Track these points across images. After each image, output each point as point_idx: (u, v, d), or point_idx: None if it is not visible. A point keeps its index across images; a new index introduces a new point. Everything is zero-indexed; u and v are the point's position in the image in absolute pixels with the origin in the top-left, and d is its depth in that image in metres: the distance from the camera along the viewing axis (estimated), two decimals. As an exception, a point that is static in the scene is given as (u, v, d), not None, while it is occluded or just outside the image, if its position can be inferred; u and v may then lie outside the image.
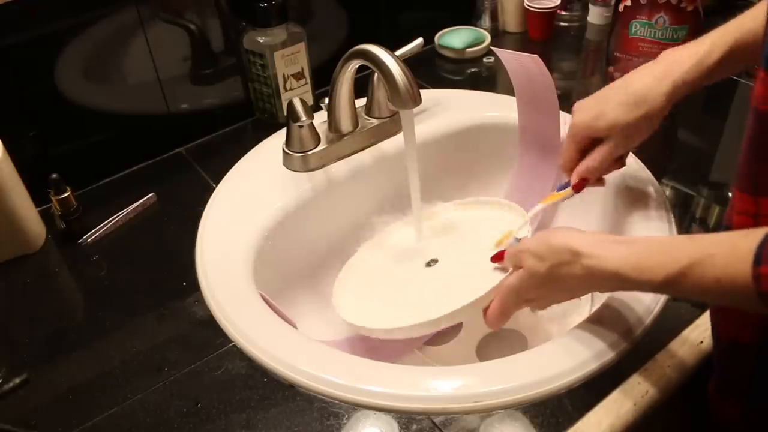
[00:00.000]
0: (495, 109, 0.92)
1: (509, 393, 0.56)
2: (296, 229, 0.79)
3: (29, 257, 0.75)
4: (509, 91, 0.83)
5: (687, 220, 0.75)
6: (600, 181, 0.70)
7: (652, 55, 0.90)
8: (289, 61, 0.88)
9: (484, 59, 1.07)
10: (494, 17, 1.13)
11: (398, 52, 0.86)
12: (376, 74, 0.84)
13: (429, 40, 1.08)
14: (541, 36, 1.11)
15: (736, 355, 0.55)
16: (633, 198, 0.75)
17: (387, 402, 0.57)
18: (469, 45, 1.07)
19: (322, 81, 0.88)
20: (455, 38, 1.07)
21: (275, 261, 0.76)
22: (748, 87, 0.92)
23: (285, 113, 0.86)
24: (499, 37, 1.14)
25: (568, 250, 0.53)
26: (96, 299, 0.70)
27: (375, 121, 0.85)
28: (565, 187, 0.69)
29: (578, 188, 0.68)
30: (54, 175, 0.74)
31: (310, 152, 0.81)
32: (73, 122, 0.82)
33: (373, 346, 0.77)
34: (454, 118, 0.91)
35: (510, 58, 0.77)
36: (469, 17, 1.14)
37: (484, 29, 1.12)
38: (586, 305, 0.77)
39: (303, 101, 0.78)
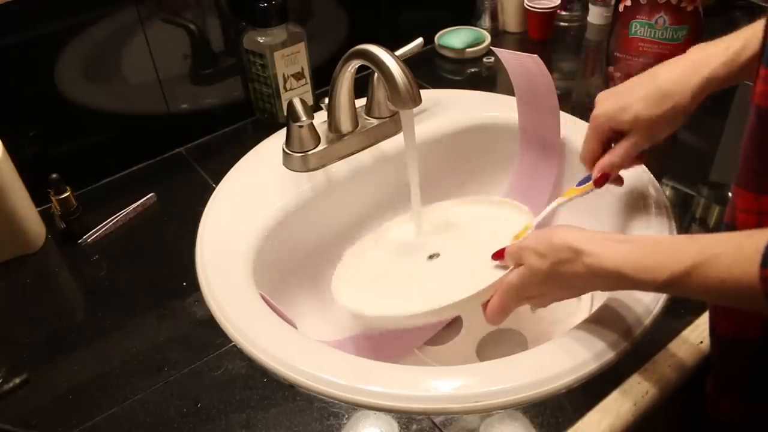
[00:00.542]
0: (495, 109, 0.92)
1: (509, 393, 0.56)
2: (296, 229, 0.79)
3: (29, 257, 0.75)
4: (509, 91, 0.83)
5: (687, 220, 0.75)
6: (618, 180, 0.68)
7: (652, 55, 0.91)
8: (289, 61, 0.88)
9: (484, 59, 1.07)
10: (494, 17, 1.13)
11: (398, 52, 0.86)
12: (376, 74, 0.84)
13: (429, 40, 1.08)
14: (541, 36, 1.11)
15: (734, 351, 0.55)
16: (633, 198, 0.75)
17: (387, 402, 0.57)
18: (469, 45, 1.07)
19: (322, 81, 0.88)
20: (455, 38, 1.07)
21: (275, 261, 0.76)
22: (749, 87, 0.92)
23: (285, 113, 0.86)
24: (499, 37, 1.14)
25: (570, 248, 0.53)
26: (96, 299, 0.70)
27: (375, 121, 0.85)
28: (585, 182, 0.68)
29: (600, 183, 0.66)
30: (54, 175, 0.74)
31: (310, 152, 0.81)
32: (73, 122, 0.82)
33: (373, 346, 0.77)
34: (454, 118, 0.91)
35: (510, 58, 0.77)
36: (469, 17, 1.14)
37: (484, 29, 1.12)
38: (586, 305, 0.77)
39: (303, 101, 0.78)
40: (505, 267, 0.63)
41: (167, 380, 0.61)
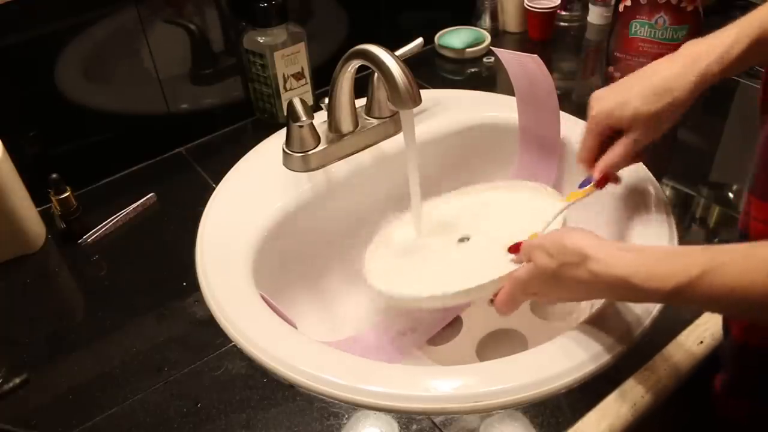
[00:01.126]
0: (495, 109, 0.92)
1: (509, 393, 0.56)
2: (296, 229, 0.79)
3: (29, 257, 0.75)
4: (509, 91, 0.83)
5: (687, 220, 0.75)
6: (617, 180, 0.68)
7: (652, 55, 0.91)
8: (289, 61, 0.88)
9: (484, 59, 1.07)
10: (494, 17, 1.13)
11: (398, 52, 0.86)
12: (376, 74, 0.84)
13: (429, 40, 1.08)
14: (541, 36, 1.11)
15: (747, 356, 0.55)
16: (633, 198, 0.75)
17: (387, 402, 0.57)
18: (469, 45, 1.07)
19: (322, 81, 0.88)
20: (455, 38, 1.07)
21: (275, 261, 0.76)
22: (749, 87, 0.92)
23: (285, 113, 0.86)
24: (499, 37, 1.14)
25: (579, 252, 0.53)
26: (96, 299, 0.70)
27: (375, 121, 0.85)
28: (586, 184, 0.68)
29: (602, 185, 0.66)
30: (54, 175, 0.74)
31: (310, 152, 0.81)
32: (73, 122, 0.82)
33: (373, 346, 0.77)
34: (454, 118, 0.91)
35: (510, 59, 0.77)
36: (469, 17, 1.14)
37: (484, 29, 1.12)
38: (586, 306, 0.77)
39: (303, 101, 0.78)
40: (520, 261, 0.63)
41: (167, 380, 0.61)
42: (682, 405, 0.61)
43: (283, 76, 0.89)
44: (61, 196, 0.75)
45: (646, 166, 0.79)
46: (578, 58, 1.09)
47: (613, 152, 0.65)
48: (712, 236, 0.73)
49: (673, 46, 0.89)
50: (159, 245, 0.76)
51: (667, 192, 0.78)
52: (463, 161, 0.92)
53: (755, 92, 0.90)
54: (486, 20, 1.13)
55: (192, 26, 0.86)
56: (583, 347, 0.59)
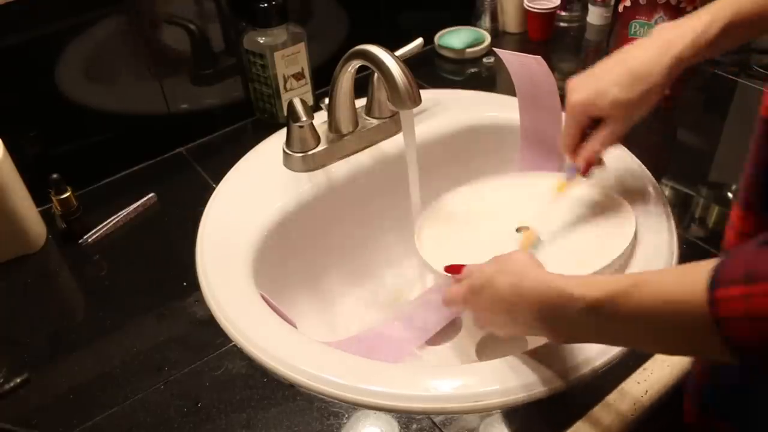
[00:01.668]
0: (495, 109, 0.92)
1: (509, 393, 0.56)
2: (296, 229, 0.79)
3: (30, 257, 0.75)
4: (509, 91, 0.83)
5: (687, 220, 0.75)
6: (601, 163, 0.70)
7: (651, 56, 0.91)
8: (289, 62, 0.88)
9: (484, 59, 1.07)
10: (494, 17, 1.13)
11: (398, 52, 0.86)
12: (376, 74, 0.84)
13: (429, 40, 1.08)
14: (541, 36, 1.11)
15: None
16: (632, 198, 0.75)
17: (387, 402, 0.57)
18: (469, 45, 1.07)
19: (322, 81, 0.88)
20: (455, 38, 1.07)
21: (275, 261, 0.76)
22: (748, 87, 0.92)
23: (285, 113, 0.86)
24: (498, 37, 1.14)
25: (519, 262, 0.53)
26: (96, 299, 0.71)
27: (375, 121, 0.85)
28: (571, 172, 0.70)
29: (586, 172, 0.68)
30: (54, 175, 0.74)
31: (310, 152, 0.81)
32: (74, 122, 0.82)
33: (373, 346, 0.77)
34: (454, 118, 0.91)
35: (513, 60, 0.77)
36: (469, 17, 1.14)
37: (484, 29, 1.12)
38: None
39: (303, 101, 0.78)
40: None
41: (167, 380, 0.61)
42: (682, 404, 0.61)
43: (283, 76, 0.89)
44: (62, 196, 0.75)
45: (646, 166, 0.79)
46: (578, 59, 1.09)
47: (593, 142, 0.66)
48: (711, 236, 0.73)
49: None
50: (159, 245, 0.76)
51: (667, 192, 0.78)
52: (463, 161, 0.92)
53: (755, 92, 0.90)
54: (486, 20, 1.13)
55: (192, 26, 0.86)
56: (582, 347, 0.59)
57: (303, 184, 0.80)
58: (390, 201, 0.85)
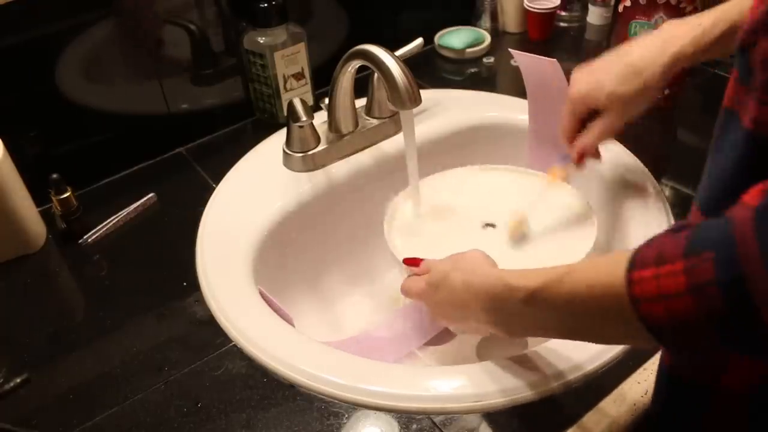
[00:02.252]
0: (495, 109, 0.92)
1: (509, 393, 0.56)
2: (296, 229, 0.79)
3: (30, 257, 0.75)
4: (509, 91, 0.83)
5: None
6: (597, 155, 0.71)
7: (651, 56, 0.91)
8: (289, 62, 0.88)
9: (484, 59, 1.07)
10: (494, 17, 1.13)
11: (398, 52, 0.86)
12: (376, 74, 0.84)
13: (429, 40, 1.08)
14: (541, 36, 1.11)
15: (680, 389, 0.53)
16: (632, 198, 0.75)
17: (387, 402, 0.57)
18: (468, 45, 1.07)
19: (322, 81, 0.88)
20: (455, 38, 1.07)
21: (275, 261, 0.76)
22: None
23: (285, 113, 0.86)
24: (498, 37, 1.14)
25: (466, 259, 0.55)
26: (96, 299, 0.71)
27: (375, 121, 0.85)
28: (564, 160, 0.71)
29: (580, 162, 0.69)
30: (54, 175, 0.74)
31: (310, 152, 0.81)
32: (74, 122, 0.82)
33: (373, 347, 0.77)
34: (454, 118, 0.91)
35: (528, 62, 0.77)
36: (469, 17, 1.14)
37: (484, 29, 1.12)
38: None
39: (303, 101, 0.78)
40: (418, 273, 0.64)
41: (167, 380, 0.61)
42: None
43: (283, 76, 0.89)
44: (62, 196, 0.75)
45: (646, 166, 0.79)
46: (578, 59, 1.09)
47: (589, 134, 0.67)
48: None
49: (672, 46, 0.89)
50: (159, 245, 0.76)
51: (667, 192, 0.78)
52: (463, 161, 0.92)
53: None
54: (486, 20, 1.13)
55: (192, 26, 0.86)
56: (582, 347, 0.59)
57: (303, 184, 0.80)
58: (390, 201, 0.85)
